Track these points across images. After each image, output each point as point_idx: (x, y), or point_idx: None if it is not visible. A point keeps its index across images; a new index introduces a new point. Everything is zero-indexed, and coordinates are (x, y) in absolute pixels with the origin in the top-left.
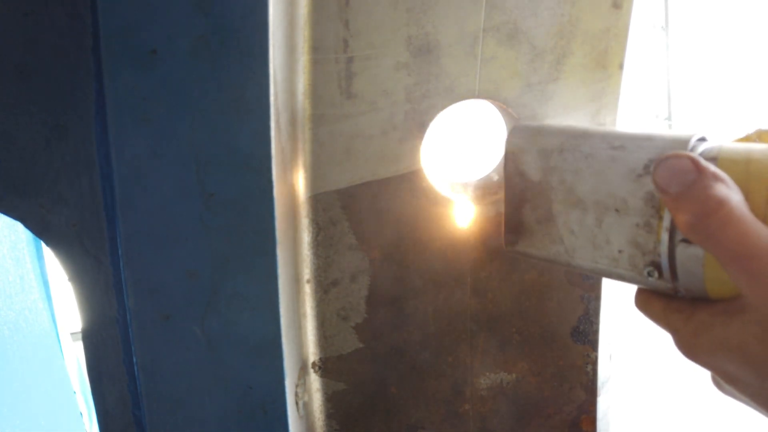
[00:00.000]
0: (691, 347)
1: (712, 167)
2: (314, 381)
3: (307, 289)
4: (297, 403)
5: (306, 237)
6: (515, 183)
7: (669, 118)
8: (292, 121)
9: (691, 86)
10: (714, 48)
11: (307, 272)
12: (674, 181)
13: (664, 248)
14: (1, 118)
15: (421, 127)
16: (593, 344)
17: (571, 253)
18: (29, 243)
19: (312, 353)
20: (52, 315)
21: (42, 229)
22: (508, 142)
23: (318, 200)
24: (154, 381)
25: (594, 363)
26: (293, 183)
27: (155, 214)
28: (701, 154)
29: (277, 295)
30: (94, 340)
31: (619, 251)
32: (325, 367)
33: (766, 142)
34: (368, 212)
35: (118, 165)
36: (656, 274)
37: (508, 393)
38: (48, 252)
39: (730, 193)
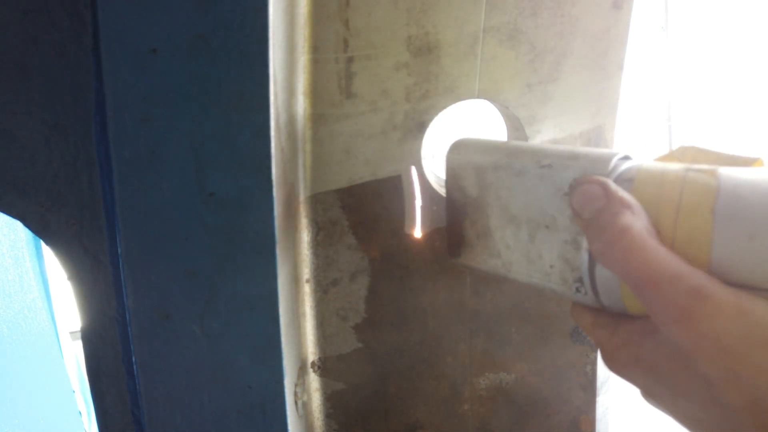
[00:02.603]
0: (613, 362)
1: (621, 193)
2: (313, 381)
3: (307, 289)
4: (296, 403)
5: (306, 237)
6: (456, 198)
7: (669, 119)
8: (292, 121)
9: (691, 87)
10: (714, 49)
11: (306, 272)
12: (586, 206)
13: (584, 266)
14: (1, 117)
15: (421, 127)
16: (592, 345)
17: (508, 267)
18: (28, 242)
19: (311, 353)
20: (52, 314)
21: (41, 227)
22: (448, 157)
23: (318, 200)
24: (153, 380)
25: (593, 363)
26: (293, 183)
27: (155, 213)
28: (620, 175)
29: (276, 295)
30: (94, 339)
31: (551, 266)
32: (324, 367)
33: (689, 160)
34: (368, 212)
35: (118, 164)
36: (583, 290)
37: (508, 393)
38: (47, 251)
39: (635, 220)
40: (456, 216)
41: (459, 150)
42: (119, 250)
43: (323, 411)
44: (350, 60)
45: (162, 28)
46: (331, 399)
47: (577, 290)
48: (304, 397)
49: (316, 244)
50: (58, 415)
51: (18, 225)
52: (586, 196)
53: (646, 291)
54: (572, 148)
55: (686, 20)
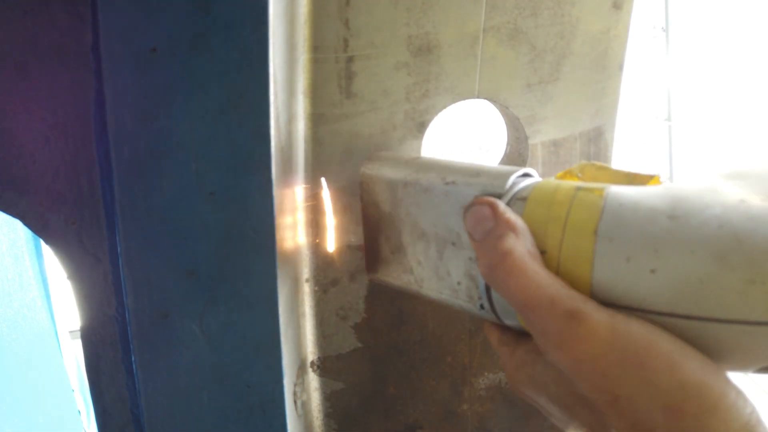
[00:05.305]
0: (513, 381)
1: (507, 214)
2: (313, 380)
3: (306, 289)
4: (295, 402)
5: (305, 237)
6: (371, 213)
7: (669, 119)
8: (292, 121)
9: (691, 87)
10: (714, 49)
11: (306, 272)
12: (477, 228)
13: (482, 285)
14: (1, 116)
15: (421, 127)
16: None
17: (420, 284)
18: (28, 241)
19: (311, 352)
20: (51, 313)
21: (41, 226)
22: (361, 173)
23: (318, 200)
24: (153, 379)
25: None
26: (293, 183)
27: (154, 212)
28: (516, 193)
29: (275, 294)
30: (93, 338)
31: (458, 283)
32: (323, 367)
33: (588, 177)
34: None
35: (118, 164)
36: (486, 308)
37: (507, 393)
38: (47, 250)
39: (516, 243)
40: (372, 232)
41: (372, 165)
42: (119, 250)
43: (322, 410)
44: (350, 60)
45: (162, 27)
46: (330, 398)
47: (481, 307)
48: (303, 397)
49: (316, 244)
50: (57, 414)
51: (17, 224)
52: (476, 217)
53: (526, 315)
54: (477, 165)
55: (686, 20)
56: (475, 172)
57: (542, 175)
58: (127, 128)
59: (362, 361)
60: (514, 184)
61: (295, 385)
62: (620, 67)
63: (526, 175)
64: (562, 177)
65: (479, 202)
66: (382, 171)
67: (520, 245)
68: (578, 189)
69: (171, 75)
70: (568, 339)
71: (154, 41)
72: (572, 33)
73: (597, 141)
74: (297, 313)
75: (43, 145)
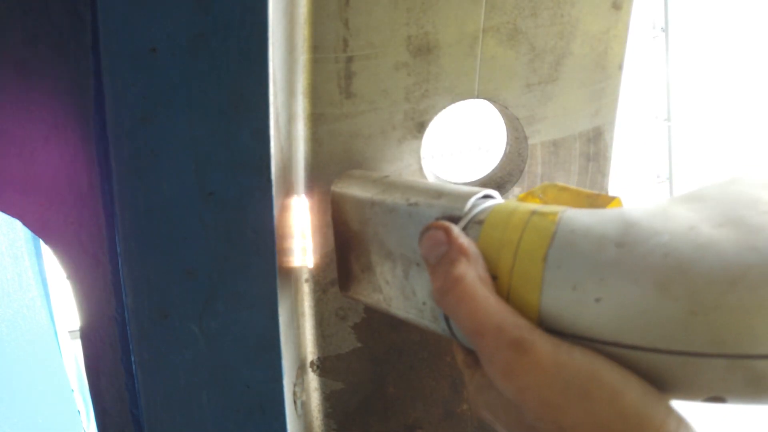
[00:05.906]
0: (473, 403)
1: (461, 239)
2: (312, 380)
3: (306, 289)
4: (295, 402)
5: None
6: (341, 231)
7: (668, 119)
8: (292, 121)
9: (691, 87)
10: (714, 49)
11: (305, 271)
12: (431, 252)
13: (440, 309)
14: (1, 117)
15: (421, 127)
16: None
17: (389, 302)
18: (28, 241)
19: (310, 352)
20: (51, 313)
21: (40, 227)
22: (332, 191)
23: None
24: (152, 379)
25: None
26: (293, 183)
27: (154, 212)
28: (474, 216)
29: (275, 295)
30: (92, 339)
31: (423, 303)
32: (323, 367)
33: (551, 198)
34: None
35: (117, 164)
36: (446, 330)
37: None
38: (46, 250)
39: (467, 269)
40: (343, 250)
41: (342, 184)
42: (118, 250)
43: (322, 410)
44: (350, 60)
45: (162, 27)
46: (330, 398)
47: (444, 329)
48: (303, 397)
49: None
50: (56, 414)
51: (17, 224)
52: (431, 242)
53: (474, 341)
54: (440, 186)
55: (686, 20)
56: (436, 194)
57: (541, 176)
58: (127, 128)
59: (362, 361)
60: (473, 206)
61: (294, 385)
62: (620, 67)
63: (488, 196)
64: (524, 198)
65: (434, 226)
66: (352, 189)
67: (472, 271)
68: (533, 213)
69: (171, 75)
70: (513, 368)
71: (154, 41)
72: (572, 33)
73: (596, 141)
74: (297, 313)
75: (43, 146)
